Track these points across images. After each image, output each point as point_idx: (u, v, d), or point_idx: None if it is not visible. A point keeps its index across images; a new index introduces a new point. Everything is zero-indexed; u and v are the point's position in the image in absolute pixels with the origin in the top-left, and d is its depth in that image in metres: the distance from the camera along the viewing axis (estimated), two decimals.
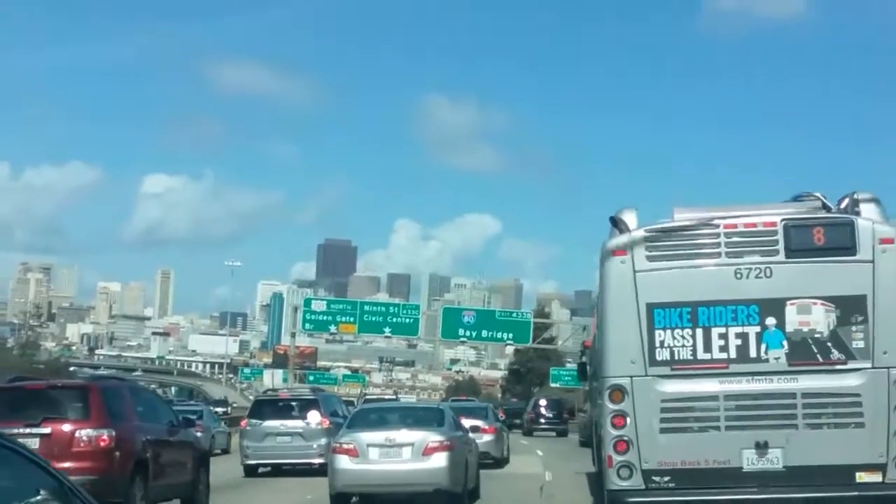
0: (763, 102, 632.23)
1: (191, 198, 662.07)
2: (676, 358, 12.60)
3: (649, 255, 12.72)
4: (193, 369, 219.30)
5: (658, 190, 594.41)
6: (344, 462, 19.37)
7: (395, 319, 73.58)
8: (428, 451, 19.12)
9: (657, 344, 12.63)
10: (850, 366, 12.34)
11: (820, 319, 12.39)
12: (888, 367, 12.18)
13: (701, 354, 12.58)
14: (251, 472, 27.61)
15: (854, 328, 12.32)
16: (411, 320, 74.69)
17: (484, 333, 74.23)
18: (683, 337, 12.59)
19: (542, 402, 61.03)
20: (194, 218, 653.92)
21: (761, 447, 12.29)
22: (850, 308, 12.34)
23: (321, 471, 25.70)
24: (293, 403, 29.05)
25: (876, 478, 12.08)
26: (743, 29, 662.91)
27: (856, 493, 12.07)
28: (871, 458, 12.09)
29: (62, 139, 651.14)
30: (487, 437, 30.61)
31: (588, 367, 22.85)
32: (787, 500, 12.40)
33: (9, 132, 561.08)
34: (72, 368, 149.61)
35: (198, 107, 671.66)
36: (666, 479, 12.43)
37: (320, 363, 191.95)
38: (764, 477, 12.30)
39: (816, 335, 12.41)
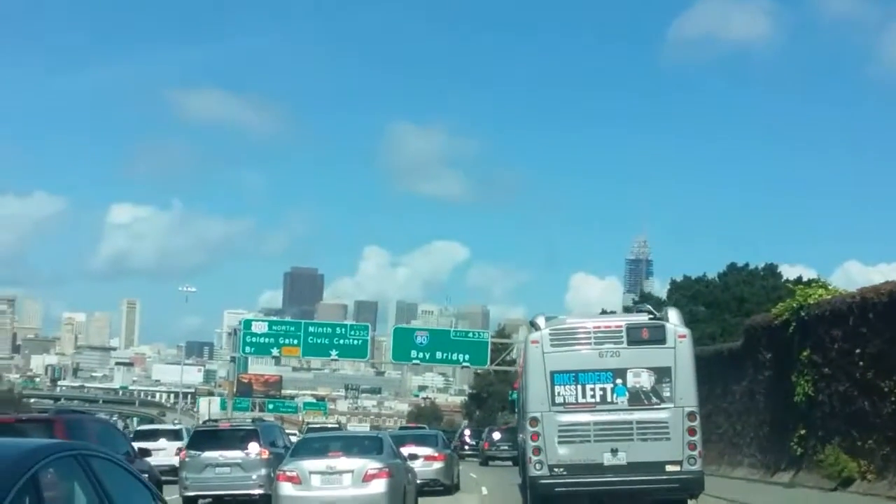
0: (734, 125, 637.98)
1: (157, 227, 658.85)
2: (566, 401, 20.45)
3: (552, 342, 20.71)
4: (157, 399, 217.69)
5: (622, 214, 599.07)
6: (287, 489, 20.30)
7: (342, 341, 69.87)
8: (367, 478, 20.11)
9: (556, 394, 20.47)
10: (662, 406, 20.23)
11: (646, 380, 20.32)
12: (683, 407, 20.16)
13: (580, 399, 20.42)
14: (190, 503, 27.60)
15: (664, 385, 20.28)
16: (360, 342, 70.63)
17: (438, 355, 70.84)
18: (570, 390, 20.44)
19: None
20: (161, 247, 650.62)
21: (614, 451, 20.12)
22: (662, 374, 20.30)
23: (261, 502, 26.25)
24: (232, 434, 29.24)
25: (677, 468, 20.00)
26: (707, 55, 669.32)
27: (665, 477, 19.98)
28: (674, 457, 20.02)
29: (27, 169, 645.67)
30: (438, 465, 31.02)
31: (516, 404, 32.51)
32: (627, 480, 20.04)
33: None
34: (32, 400, 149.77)
35: (164, 135, 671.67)
36: (561, 469, 20.21)
37: (286, 391, 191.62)
38: (615, 468, 20.08)
39: (644, 389, 20.32)
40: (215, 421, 41.24)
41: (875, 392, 23.71)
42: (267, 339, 70.05)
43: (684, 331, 20.61)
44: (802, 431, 27.85)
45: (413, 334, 72.37)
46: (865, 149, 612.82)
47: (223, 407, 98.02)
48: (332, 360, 75.84)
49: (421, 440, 32.57)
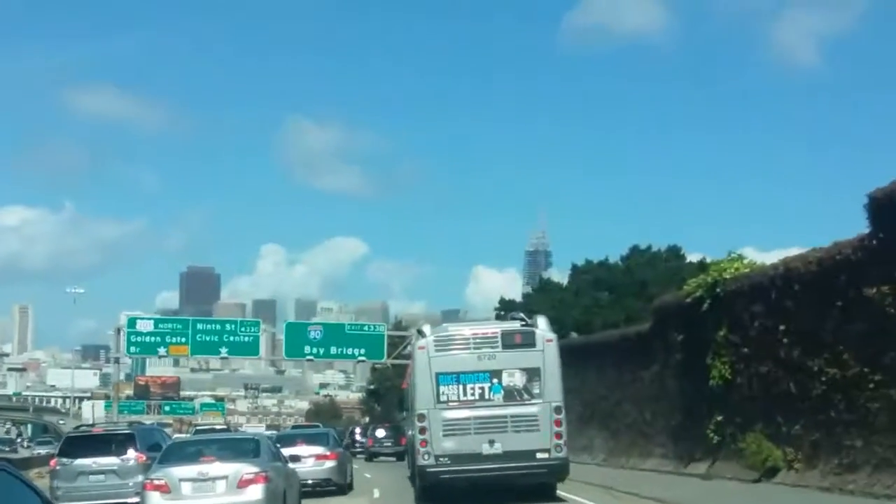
0: (628, 115, 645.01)
1: (49, 229, 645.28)
2: (450, 400, 23.28)
3: (436, 348, 23.61)
4: (52, 405, 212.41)
5: (522, 204, 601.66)
6: (155, 499, 18.88)
7: (232, 338, 66.26)
8: (242, 484, 18.73)
9: (440, 393, 23.30)
10: (532, 402, 23.12)
11: (518, 379, 23.21)
12: (549, 402, 23.08)
13: (461, 398, 23.26)
14: None
15: (534, 384, 23.18)
16: (251, 339, 67.01)
17: (333, 350, 67.96)
18: (453, 389, 23.25)
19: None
20: (54, 250, 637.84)
21: (491, 442, 22.94)
22: (532, 374, 23.22)
23: None
24: (108, 439, 27.86)
25: (545, 455, 22.83)
26: (603, 43, 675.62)
27: (535, 463, 22.84)
28: (543, 445, 22.84)
29: None
30: (329, 464, 30.29)
31: (405, 402, 36.81)
32: (503, 467, 22.78)
33: None
34: None
35: (54, 135, 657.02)
36: (445, 459, 23.02)
37: (184, 393, 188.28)
38: (493, 457, 22.88)
39: (517, 387, 23.20)
40: (90, 425, 39.53)
41: (802, 372, 22.08)
42: (153, 338, 66.35)
43: (551, 335, 23.86)
44: (719, 418, 26.24)
45: (306, 329, 69.29)
46: (760, 136, 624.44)
47: (109, 409, 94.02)
48: (221, 357, 71.78)
49: (312, 439, 31.89)
